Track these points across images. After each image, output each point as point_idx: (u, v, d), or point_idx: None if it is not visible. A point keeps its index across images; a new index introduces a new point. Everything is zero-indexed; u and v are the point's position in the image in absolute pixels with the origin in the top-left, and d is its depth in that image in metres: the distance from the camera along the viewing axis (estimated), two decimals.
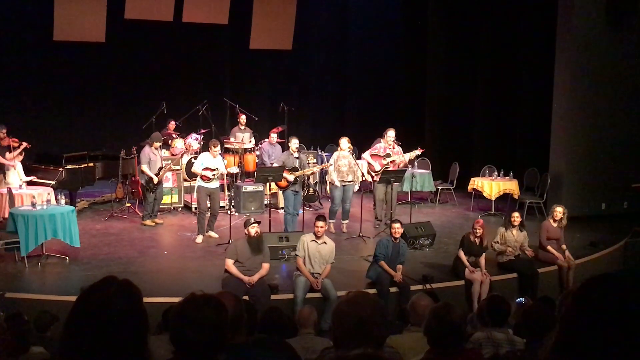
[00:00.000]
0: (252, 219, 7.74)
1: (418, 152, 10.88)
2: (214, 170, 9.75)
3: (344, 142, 10.32)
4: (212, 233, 9.88)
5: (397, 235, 7.93)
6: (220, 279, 7.36)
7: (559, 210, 8.84)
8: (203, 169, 9.74)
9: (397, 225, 8.01)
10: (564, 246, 8.82)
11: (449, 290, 7.79)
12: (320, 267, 7.52)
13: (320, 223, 7.63)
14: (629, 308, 1.40)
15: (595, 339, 1.38)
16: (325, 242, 7.62)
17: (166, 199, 11.37)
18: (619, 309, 1.40)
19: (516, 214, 8.64)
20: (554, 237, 8.81)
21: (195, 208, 11.40)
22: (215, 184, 9.90)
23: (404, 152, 10.76)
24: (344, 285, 7.42)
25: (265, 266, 7.42)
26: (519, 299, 6.46)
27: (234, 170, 10.73)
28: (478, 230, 8.17)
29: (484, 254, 8.22)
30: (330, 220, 10.39)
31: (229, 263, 7.30)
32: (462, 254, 8.17)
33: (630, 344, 1.37)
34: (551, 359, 1.49)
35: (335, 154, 10.44)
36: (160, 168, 10.49)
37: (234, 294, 3.59)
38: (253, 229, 7.40)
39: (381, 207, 10.59)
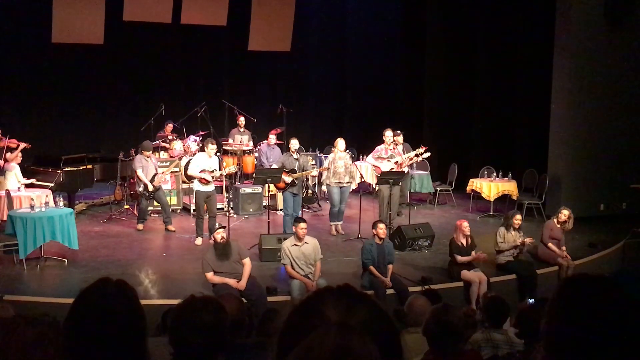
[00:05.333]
0: (217, 224, 7.72)
1: (421, 150, 10.89)
2: (212, 172, 9.64)
3: (341, 143, 10.31)
4: None
5: (383, 236, 7.88)
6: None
7: (564, 213, 8.84)
8: (200, 171, 9.62)
9: (381, 225, 7.95)
10: (563, 247, 8.82)
11: (447, 292, 7.76)
12: (308, 268, 7.48)
13: (302, 225, 7.56)
14: (603, 309, 1.42)
15: (578, 337, 1.40)
16: (306, 242, 7.55)
17: None
18: (593, 309, 1.42)
19: (519, 217, 8.57)
20: (555, 237, 8.82)
21: (194, 210, 11.41)
22: (212, 187, 9.78)
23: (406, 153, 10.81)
24: None
25: (247, 262, 7.30)
26: (530, 300, 6.47)
27: (233, 169, 10.64)
28: (466, 229, 8.16)
29: (473, 252, 8.21)
30: (332, 223, 10.37)
31: (210, 276, 7.18)
32: (459, 257, 8.16)
33: (607, 344, 1.39)
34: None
35: (331, 155, 10.41)
36: (155, 175, 10.33)
37: (237, 296, 3.59)
38: (218, 235, 7.29)
39: (385, 209, 10.52)
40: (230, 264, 7.24)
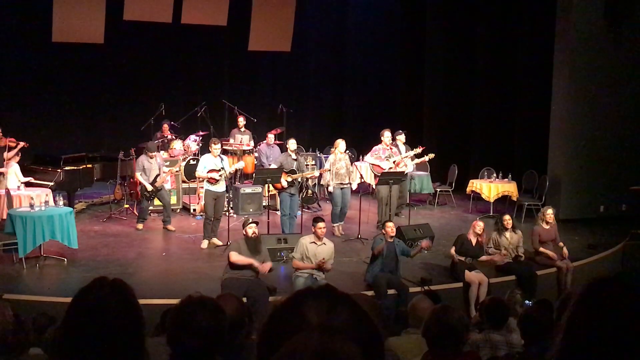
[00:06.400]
0: (250, 219, 7.69)
1: (418, 150, 10.89)
2: (219, 170, 9.56)
3: (342, 144, 10.30)
4: (215, 240, 9.60)
5: (392, 235, 7.88)
6: (219, 280, 7.32)
7: (550, 213, 8.81)
8: (207, 172, 9.54)
9: (390, 224, 7.97)
10: (561, 243, 8.78)
11: (447, 293, 7.76)
12: (318, 270, 7.48)
13: (321, 224, 7.57)
14: (629, 313, 1.38)
15: (604, 342, 1.37)
16: (324, 243, 7.59)
17: None
18: (629, 311, 1.38)
19: (507, 217, 8.61)
20: (548, 239, 8.77)
21: (194, 210, 11.40)
22: (221, 187, 9.67)
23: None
24: (342, 288, 7.26)
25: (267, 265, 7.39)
26: (526, 302, 6.46)
27: (240, 165, 10.61)
28: (479, 228, 8.18)
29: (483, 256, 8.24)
30: (335, 224, 10.35)
31: (234, 254, 7.17)
32: (452, 250, 8.19)
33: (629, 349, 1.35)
34: None
35: (332, 156, 10.40)
36: (158, 175, 10.30)
37: (237, 296, 3.58)
38: (250, 229, 7.35)
39: (385, 210, 10.51)
40: (257, 260, 7.26)
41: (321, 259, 7.32)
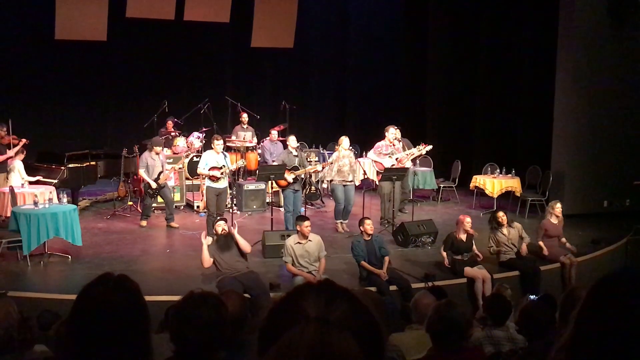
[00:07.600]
0: (218, 217, 7.74)
1: (421, 147, 10.87)
2: (221, 168, 9.56)
3: (345, 141, 10.28)
4: None
5: (370, 232, 7.81)
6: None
7: (559, 207, 8.80)
8: (209, 169, 9.55)
9: (368, 221, 7.88)
10: (563, 239, 8.78)
11: (451, 288, 7.72)
12: (312, 265, 7.47)
13: (306, 223, 7.55)
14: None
15: (615, 338, 1.37)
16: (310, 240, 7.55)
17: None
18: (630, 310, 1.38)
19: (500, 213, 8.54)
20: (554, 234, 8.76)
21: (198, 206, 11.41)
22: (223, 184, 9.69)
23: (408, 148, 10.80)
24: (345, 284, 7.33)
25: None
26: (531, 297, 6.45)
27: (241, 163, 10.62)
28: (468, 224, 8.14)
29: (474, 247, 8.22)
30: (338, 221, 10.34)
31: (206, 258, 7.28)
32: (442, 251, 8.17)
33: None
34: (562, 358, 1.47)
35: (336, 153, 10.39)
36: (161, 172, 10.32)
37: (239, 292, 3.60)
38: (219, 227, 7.35)
39: (388, 206, 10.49)
40: (231, 257, 7.25)
41: (312, 279, 7.17)
